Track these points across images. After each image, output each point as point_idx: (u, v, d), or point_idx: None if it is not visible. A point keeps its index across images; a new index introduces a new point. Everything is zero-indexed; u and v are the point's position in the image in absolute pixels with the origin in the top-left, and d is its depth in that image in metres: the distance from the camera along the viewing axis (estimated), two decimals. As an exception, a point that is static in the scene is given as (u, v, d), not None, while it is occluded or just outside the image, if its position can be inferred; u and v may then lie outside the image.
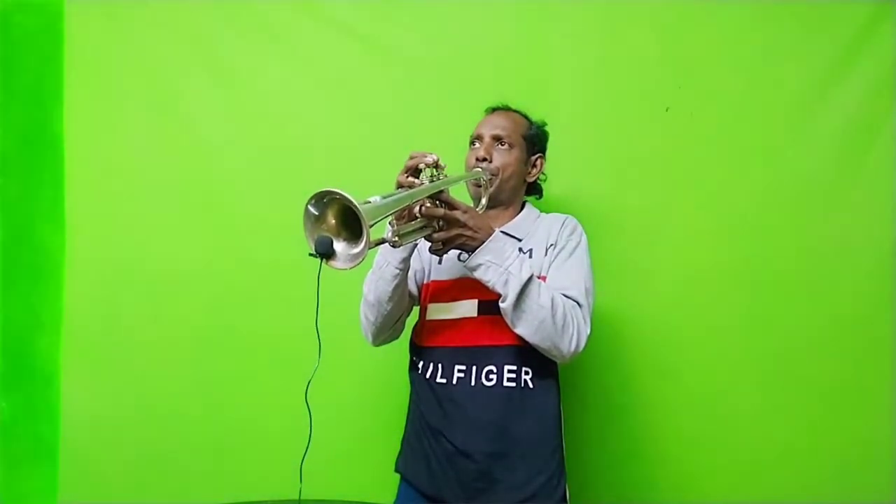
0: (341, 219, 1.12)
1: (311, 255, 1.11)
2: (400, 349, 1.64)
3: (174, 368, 2.06)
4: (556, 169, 1.71)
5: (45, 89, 2.13)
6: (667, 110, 1.93)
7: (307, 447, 1.22)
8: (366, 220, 1.05)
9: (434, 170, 1.34)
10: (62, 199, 2.13)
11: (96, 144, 2.13)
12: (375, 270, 1.46)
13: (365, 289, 1.49)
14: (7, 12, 2.05)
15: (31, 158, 2.10)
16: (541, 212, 1.65)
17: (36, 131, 2.11)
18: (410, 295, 1.57)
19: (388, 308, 1.47)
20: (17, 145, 2.07)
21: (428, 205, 1.33)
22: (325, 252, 1.10)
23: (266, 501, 1.60)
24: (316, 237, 1.11)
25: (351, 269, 1.12)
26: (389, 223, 1.29)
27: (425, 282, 1.60)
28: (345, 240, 1.13)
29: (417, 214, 1.34)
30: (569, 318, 1.37)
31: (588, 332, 1.40)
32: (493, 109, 1.66)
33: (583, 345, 1.39)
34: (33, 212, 2.10)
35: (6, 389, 2.00)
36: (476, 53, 2.02)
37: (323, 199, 1.10)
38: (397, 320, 1.54)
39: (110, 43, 2.14)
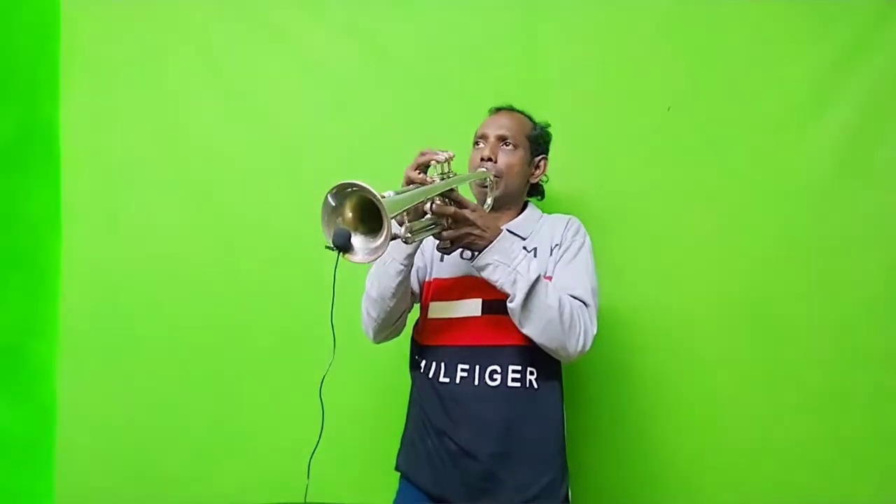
0: (358, 213, 1.12)
1: (328, 247, 1.10)
2: (401, 348, 1.63)
3: (171, 369, 2.02)
4: (556, 168, 1.71)
5: (41, 87, 2.08)
6: (668, 109, 1.93)
7: (317, 443, 1.20)
8: (387, 214, 1.05)
9: (446, 165, 1.34)
10: (58, 199, 2.09)
11: (92, 143, 2.09)
12: (379, 266, 1.44)
13: (368, 284, 1.48)
14: (2, 10, 2.01)
15: (27, 157, 2.05)
16: (543, 212, 1.65)
17: (31, 130, 2.06)
18: (412, 292, 1.56)
19: (391, 304, 1.45)
20: (13, 144, 2.02)
21: (438, 202, 1.33)
22: (342, 245, 1.09)
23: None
24: (334, 230, 1.09)
25: (370, 262, 1.11)
26: (398, 220, 1.29)
27: (427, 279, 1.59)
28: (361, 234, 1.12)
29: (427, 211, 1.34)
30: (576, 317, 1.37)
31: (594, 332, 1.41)
32: (498, 109, 1.66)
33: (589, 345, 1.39)
34: (29, 211, 2.05)
35: (1, 390, 1.95)
36: (477, 53, 2.02)
37: (345, 190, 1.08)
38: (399, 317, 1.52)
39: (106, 40, 2.11)
